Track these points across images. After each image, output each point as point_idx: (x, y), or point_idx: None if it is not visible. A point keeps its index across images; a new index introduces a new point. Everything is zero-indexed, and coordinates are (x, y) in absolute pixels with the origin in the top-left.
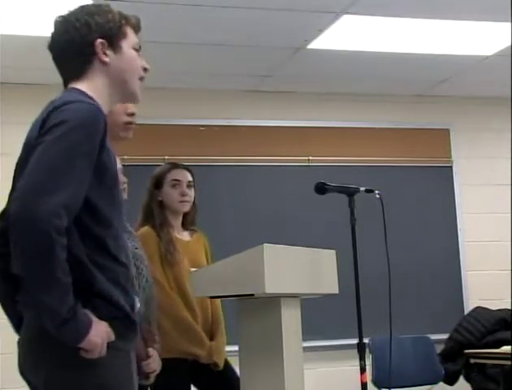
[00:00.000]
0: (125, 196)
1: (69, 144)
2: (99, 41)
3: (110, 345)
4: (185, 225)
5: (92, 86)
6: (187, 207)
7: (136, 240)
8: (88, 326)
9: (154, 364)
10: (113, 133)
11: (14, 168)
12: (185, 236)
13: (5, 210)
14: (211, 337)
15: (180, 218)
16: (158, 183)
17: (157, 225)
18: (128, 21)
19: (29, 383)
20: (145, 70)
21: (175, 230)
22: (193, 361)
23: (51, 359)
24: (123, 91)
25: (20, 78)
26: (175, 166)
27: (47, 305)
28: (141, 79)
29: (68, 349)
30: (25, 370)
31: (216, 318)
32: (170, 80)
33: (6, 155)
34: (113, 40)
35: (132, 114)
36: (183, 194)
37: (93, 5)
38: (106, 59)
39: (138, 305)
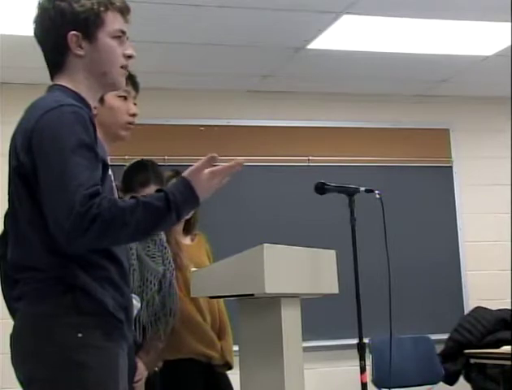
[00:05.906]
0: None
1: (64, 148)
2: (72, 33)
3: (92, 344)
4: (186, 231)
5: (72, 79)
6: None
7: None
8: (188, 191)
9: (137, 373)
10: (113, 132)
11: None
12: (187, 240)
13: (4, 233)
14: (219, 338)
15: (182, 223)
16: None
17: None
18: (108, 6)
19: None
20: (130, 57)
21: (177, 235)
22: (205, 364)
23: (37, 356)
24: (102, 82)
25: (20, 78)
26: (176, 174)
27: (155, 225)
28: (124, 67)
29: (54, 348)
30: (14, 363)
31: (223, 319)
32: (170, 80)
33: (6, 155)
34: (88, 30)
35: (134, 115)
36: None
37: None
38: (80, 53)
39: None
